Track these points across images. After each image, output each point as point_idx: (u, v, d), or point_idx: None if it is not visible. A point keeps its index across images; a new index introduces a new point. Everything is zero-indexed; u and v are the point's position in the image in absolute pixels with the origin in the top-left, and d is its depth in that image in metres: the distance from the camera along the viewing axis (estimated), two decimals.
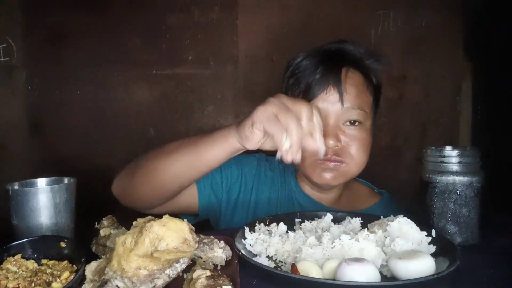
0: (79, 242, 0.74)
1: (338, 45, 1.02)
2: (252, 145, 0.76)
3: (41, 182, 0.79)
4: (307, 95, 0.97)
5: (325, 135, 0.95)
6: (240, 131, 0.76)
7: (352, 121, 0.97)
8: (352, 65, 0.99)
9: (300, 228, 0.80)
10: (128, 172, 0.96)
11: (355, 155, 0.97)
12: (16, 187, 0.76)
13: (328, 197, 1.08)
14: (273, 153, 1.21)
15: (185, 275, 0.63)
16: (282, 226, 0.80)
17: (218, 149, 0.82)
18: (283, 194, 1.10)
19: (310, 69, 0.98)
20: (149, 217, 0.67)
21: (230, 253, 0.71)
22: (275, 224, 0.81)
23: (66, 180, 0.79)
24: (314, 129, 0.72)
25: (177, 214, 1.07)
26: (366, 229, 0.74)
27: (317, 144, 0.72)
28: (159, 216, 0.66)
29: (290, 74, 1.03)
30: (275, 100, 0.73)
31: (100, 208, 1.01)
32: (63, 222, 0.75)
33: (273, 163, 1.15)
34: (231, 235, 0.74)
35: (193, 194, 1.03)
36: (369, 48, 1.04)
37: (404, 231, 0.71)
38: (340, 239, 0.68)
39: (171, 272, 0.60)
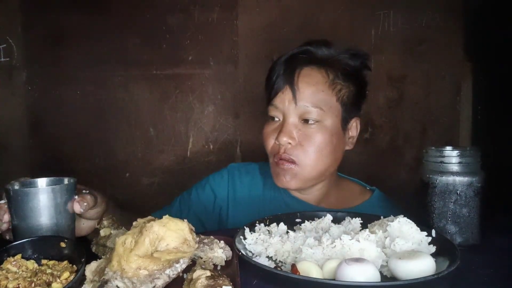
0: (79, 242, 0.74)
1: (303, 46, 1.04)
2: None
3: (41, 182, 0.79)
4: (270, 95, 1.02)
5: (280, 131, 0.98)
6: None
7: (308, 119, 0.97)
8: (311, 63, 1.00)
9: (300, 228, 0.80)
10: None
11: (308, 155, 0.97)
12: (16, 187, 0.76)
13: (311, 197, 1.08)
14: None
15: (185, 275, 0.63)
16: (282, 226, 0.80)
17: None
18: (267, 196, 1.11)
19: (276, 69, 1.02)
20: (149, 217, 0.67)
21: (230, 253, 0.71)
22: (275, 224, 0.81)
23: (66, 181, 0.79)
24: None
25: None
26: (366, 229, 0.74)
27: None
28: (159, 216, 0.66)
29: (267, 76, 1.06)
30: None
31: None
32: (64, 223, 0.74)
33: (252, 168, 1.17)
34: (231, 235, 0.74)
35: None
36: (348, 46, 1.03)
37: (404, 231, 0.71)
38: (340, 239, 0.68)
39: (171, 272, 0.60)
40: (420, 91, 1.73)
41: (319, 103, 0.97)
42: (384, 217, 0.79)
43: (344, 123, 1.02)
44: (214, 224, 1.12)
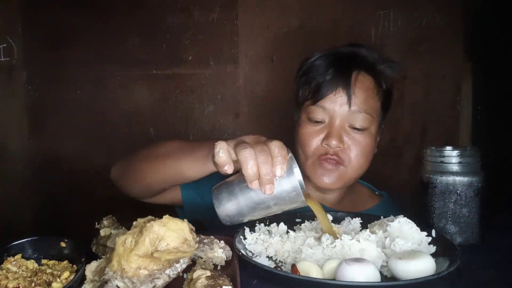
0: (81, 242, 0.74)
1: (351, 48, 1.02)
2: (222, 171, 0.73)
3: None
4: (316, 95, 0.97)
5: (329, 135, 0.96)
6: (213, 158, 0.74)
7: (357, 125, 0.96)
8: (364, 69, 0.99)
9: (300, 229, 0.81)
10: (124, 164, 1.01)
11: (354, 159, 0.97)
12: None
13: (330, 198, 1.08)
14: None
15: (185, 275, 0.63)
16: (282, 226, 0.80)
17: (197, 169, 0.84)
18: None
19: (321, 69, 0.99)
20: (149, 217, 0.67)
21: (230, 253, 0.71)
22: (275, 224, 0.81)
23: None
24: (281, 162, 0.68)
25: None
26: (367, 229, 0.74)
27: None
28: (159, 216, 0.66)
29: (302, 73, 1.03)
30: (251, 136, 0.75)
31: (100, 208, 1.01)
32: None
33: None
34: (231, 235, 0.74)
35: (178, 196, 1.05)
36: (382, 54, 1.04)
37: (404, 231, 0.71)
38: (341, 239, 0.68)
39: (171, 272, 0.60)
40: (420, 91, 1.73)
41: (370, 110, 0.97)
42: (384, 217, 0.79)
43: (379, 129, 1.03)
44: None
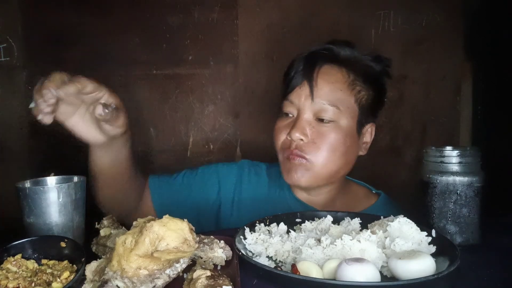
0: (88, 239, 0.75)
1: (327, 44, 1.03)
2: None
3: (51, 181, 0.80)
4: (286, 89, 1.00)
5: (292, 127, 0.96)
6: None
7: (324, 118, 0.96)
8: (332, 62, 0.98)
9: (300, 229, 0.81)
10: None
11: (320, 153, 0.95)
12: (28, 185, 0.76)
13: (318, 200, 1.06)
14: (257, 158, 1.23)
15: (185, 275, 0.63)
16: (282, 226, 0.80)
17: None
18: (272, 198, 1.09)
19: (295, 66, 1.00)
20: (149, 217, 0.67)
21: (230, 253, 0.71)
22: (275, 224, 0.81)
23: (76, 178, 0.80)
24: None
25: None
26: (368, 230, 0.73)
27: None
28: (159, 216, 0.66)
29: (285, 72, 1.05)
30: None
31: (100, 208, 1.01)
32: (78, 219, 0.76)
33: (260, 169, 1.15)
34: (231, 235, 0.74)
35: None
36: (370, 50, 1.03)
37: (404, 231, 0.71)
38: (341, 239, 0.68)
39: (171, 272, 0.60)
40: (420, 91, 1.73)
41: (336, 102, 0.95)
42: (384, 217, 0.79)
43: (360, 127, 1.00)
44: (210, 216, 1.10)
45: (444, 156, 0.80)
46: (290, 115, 1.00)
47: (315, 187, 1.02)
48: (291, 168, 0.97)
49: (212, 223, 1.10)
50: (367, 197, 1.12)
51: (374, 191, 1.14)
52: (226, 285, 0.56)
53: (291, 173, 0.97)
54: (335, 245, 0.68)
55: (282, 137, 1.00)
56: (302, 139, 0.95)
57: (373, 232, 0.72)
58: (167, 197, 1.07)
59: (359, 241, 0.68)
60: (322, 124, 0.96)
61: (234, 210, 1.09)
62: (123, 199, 0.98)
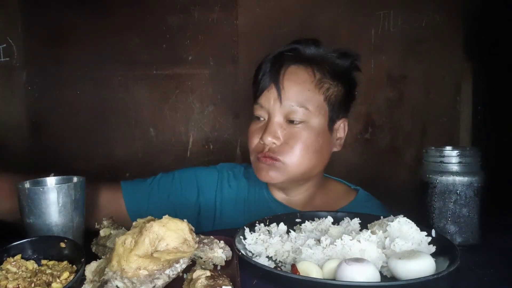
0: (88, 239, 0.75)
1: (291, 44, 1.02)
2: None
3: (51, 181, 0.80)
4: (255, 93, 1.00)
5: (264, 131, 0.96)
6: None
7: (294, 119, 0.96)
8: (298, 62, 0.98)
9: (300, 229, 0.80)
10: None
11: (293, 154, 0.95)
12: (28, 185, 0.76)
13: (297, 199, 1.06)
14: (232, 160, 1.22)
15: (185, 275, 0.63)
16: (282, 226, 0.80)
17: None
18: (253, 200, 1.09)
19: (262, 68, 1.00)
20: (149, 217, 0.67)
21: (230, 253, 0.71)
22: (275, 224, 0.81)
23: (76, 179, 0.80)
24: None
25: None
26: (368, 230, 0.73)
27: None
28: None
29: (254, 74, 1.04)
30: None
31: None
32: (78, 219, 0.76)
33: (238, 171, 1.15)
34: (231, 235, 0.74)
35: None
36: (339, 46, 1.02)
37: (404, 231, 0.71)
38: (341, 239, 0.68)
39: (171, 272, 0.60)
40: (420, 91, 1.73)
41: (305, 103, 0.95)
42: (384, 217, 0.79)
43: (331, 124, 1.00)
44: (190, 221, 1.09)
45: (444, 156, 0.80)
46: (262, 119, 1.00)
47: (289, 185, 1.02)
48: (262, 167, 0.97)
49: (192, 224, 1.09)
50: (347, 193, 1.11)
51: (352, 187, 1.13)
52: (226, 285, 0.56)
53: (263, 172, 0.97)
54: (335, 245, 0.68)
55: (255, 141, 1.00)
56: (274, 143, 0.96)
57: (373, 232, 0.72)
58: (142, 202, 1.05)
59: (359, 241, 0.68)
60: (292, 125, 0.96)
61: (216, 214, 1.09)
62: None
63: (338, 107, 1.00)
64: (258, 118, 1.01)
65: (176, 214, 1.07)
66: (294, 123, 0.96)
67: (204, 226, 1.08)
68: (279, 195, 1.08)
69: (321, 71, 0.98)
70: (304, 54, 1.00)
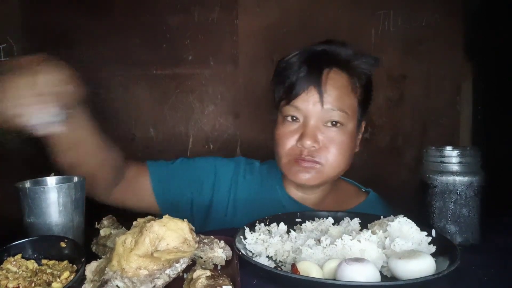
0: (88, 239, 0.75)
1: (324, 45, 1.02)
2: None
3: (51, 181, 0.81)
4: (289, 94, 0.97)
5: (303, 135, 0.96)
6: None
7: (332, 123, 0.96)
8: (336, 66, 0.98)
9: (300, 229, 0.80)
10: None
11: (331, 157, 0.96)
12: (28, 185, 0.77)
13: (311, 198, 1.07)
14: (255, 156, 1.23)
15: (185, 275, 0.63)
16: (282, 226, 0.80)
17: None
18: (265, 196, 1.09)
19: (294, 68, 0.98)
20: (149, 217, 0.67)
21: (230, 253, 0.71)
22: (275, 224, 0.81)
23: (76, 178, 0.80)
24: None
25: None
26: (368, 230, 0.73)
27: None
28: (159, 216, 0.66)
29: (277, 72, 1.03)
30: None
31: (100, 208, 1.01)
32: (78, 219, 0.76)
33: (254, 167, 1.16)
34: (231, 235, 0.74)
35: (150, 199, 1.08)
36: (359, 49, 1.02)
37: (404, 231, 0.71)
38: (342, 239, 0.68)
39: (171, 272, 0.60)
40: (420, 91, 1.73)
41: (344, 107, 0.96)
42: (384, 217, 0.79)
43: (359, 126, 1.02)
44: (201, 207, 1.10)
45: (444, 156, 0.80)
46: (297, 121, 0.98)
47: (315, 185, 1.03)
48: (300, 170, 0.97)
49: (202, 215, 1.10)
50: (357, 195, 1.13)
51: (363, 189, 1.14)
52: (226, 285, 0.56)
53: (300, 174, 0.97)
54: (335, 245, 0.68)
55: (289, 143, 0.98)
56: (313, 146, 0.96)
57: (373, 232, 0.72)
58: (165, 180, 1.09)
59: (359, 241, 0.68)
60: (330, 129, 0.96)
61: (229, 209, 1.09)
62: (91, 166, 0.96)
63: (363, 110, 1.02)
64: (290, 120, 0.99)
65: (192, 197, 1.09)
66: (335, 126, 0.96)
67: (214, 221, 1.09)
68: (295, 193, 1.08)
69: (355, 75, 0.99)
70: (339, 57, 0.99)
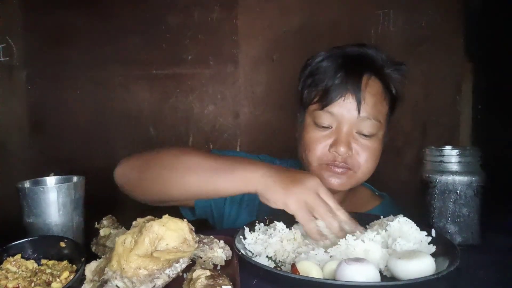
0: (88, 239, 0.75)
1: (359, 49, 0.99)
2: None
3: (51, 181, 0.81)
4: (324, 99, 0.94)
5: (338, 142, 0.94)
6: (267, 194, 0.77)
7: (366, 132, 0.94)
8: (373, 73, 0.96)
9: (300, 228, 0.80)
10: (137, 167, 0.97)
11: (364, 164, 0.96)
12: (28, 185, 0.77)
13: None
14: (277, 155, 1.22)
15: (185, 275, 0.63)
16: (282, 226, 0.80)
17: (234, 189, 0.83)
18: None
19: (329, 72, 0.95)
20: (149, 217, 0.67)
21: (230, 253, 0.71)
22: (275, 224, 0.81)
23: (76, 178, 0.81)
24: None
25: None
26: (374, 231, 0.73)
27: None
28: (159, 216, 0.66)
29: (309, 74, 1.00)
30: (310, 190, 0.75)
31: (100, 208, 1.01)
32: (78, 219, 0.76)
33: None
34: (231, 235, 0.74)
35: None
36: (390, 56, 1.01)
37: (404, 231, 0.71)
38: (345, 239, 0.68)
39: (171, 272, 0.60)
40: (420, 91, 1.73)
41: (379, 116, 0.95)
42: (384, 217, 0.79)
43: (386, 131, 1.02)
44: (219, 203, 1.08)
45: (443, 156, 0.80)
46: (327, 126, 0.96)
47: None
48: (332, 175, 0.96)
49: (221, 210, 1.08)
50: (372, 198, 1.13)
51: (377, 193, 1.14)
52: (226, 285, 0.56)
53: (332, 179, 0.96)
54: (339, 244, 0.68)
55: (320, 149, 0.96)
56: (348, 154, 0.94)
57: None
58: None
59: (363, 241, 0.68)
60: (363, 137, 0.95)
61: (244, 197, 1.07)
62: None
63: (390, 117, 1.03)
64: (322, 126, 0.96)
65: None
66: (366, 134, 0.95)
67: (229, 209, 1.08)
68: None
69: (386, 83, 0.98)
70: (375, 63, 0.98)
